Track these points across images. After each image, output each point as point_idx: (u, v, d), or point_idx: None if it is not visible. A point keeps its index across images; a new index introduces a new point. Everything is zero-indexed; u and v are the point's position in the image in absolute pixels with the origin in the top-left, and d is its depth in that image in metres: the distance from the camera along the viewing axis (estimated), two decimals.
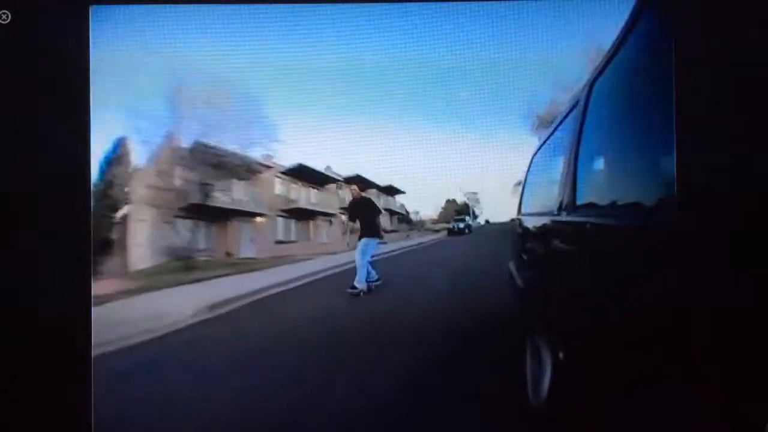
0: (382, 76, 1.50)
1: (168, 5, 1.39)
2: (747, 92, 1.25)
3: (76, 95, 1.30)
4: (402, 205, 1.79)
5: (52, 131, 1.29)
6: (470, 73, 1.47)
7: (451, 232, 1.78)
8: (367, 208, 2.09)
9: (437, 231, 1.69)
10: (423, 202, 1.73)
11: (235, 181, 1.36)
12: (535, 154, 1.60)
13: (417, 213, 1.75)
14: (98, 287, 1.13)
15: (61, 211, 1.28)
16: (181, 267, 1.27)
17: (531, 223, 1.67)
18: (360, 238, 2.15)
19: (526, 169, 1.61)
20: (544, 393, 1.42)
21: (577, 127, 1.46)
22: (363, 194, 1.98)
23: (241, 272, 1.46)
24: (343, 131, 1.50)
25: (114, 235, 1.16)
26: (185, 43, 1.43)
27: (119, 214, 1.17)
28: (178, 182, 1.21)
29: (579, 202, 1.43)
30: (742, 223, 1.22)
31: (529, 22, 1.42)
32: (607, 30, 1.30)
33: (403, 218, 1.83)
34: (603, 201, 1.33)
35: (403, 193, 1.77)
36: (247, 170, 1.36)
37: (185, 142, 1.28)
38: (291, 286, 1.91)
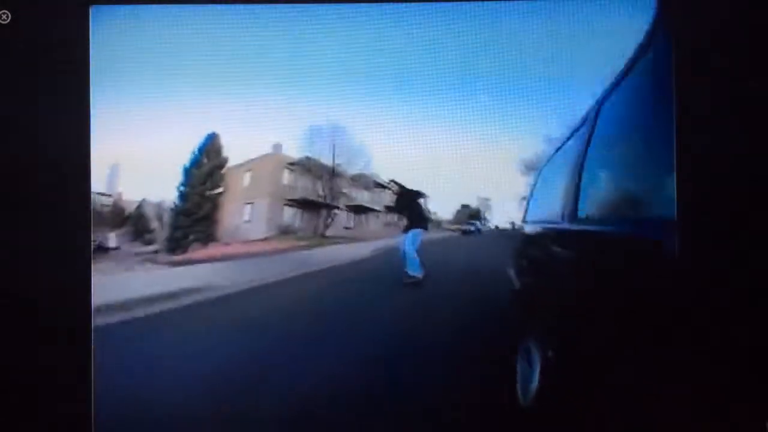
0: (411, 81, 1.52)
1: (168, 5, 1.39)
2: (748, 111, 1.25)
3: (76, 95, 1.30)
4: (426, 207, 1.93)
5: (52, 131, 1.30)
6: (501, 81, 1.49)
7: (464, 232, 2.02)
8: (407, 194, 2.02)
9: (453, 230, 1.91)
10: (441, 205, 1.93)
11: (319, 182, 1.59)
12: (544, 166, 1.67)
13: (435, 214, 1.98)
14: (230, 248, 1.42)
15: (62, 211, 1.29)
16: (296, 238, 1.67)
17: (533, 230, 1.78)
18: (407, 229, 2.12)
19: (533, 180, 1.69)
20: (533, 393, 1.46)
21: (584, 143, 1.52)
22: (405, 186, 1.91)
23: (334, 245, 1.83)
24: (381, 138, 1.54)
25: (218, 213, 1.46)
26: (185, 44, 1.43)
27: (219, 195, 1.44)
28: (285, 181, 1.57)
29: (580, 213, 1.51)
30: (740, 241, 1.23)
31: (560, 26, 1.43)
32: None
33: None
34: (602, 213, 1.41)
35: (427, 196, 1.90)
36: (329, 173, 1.66)
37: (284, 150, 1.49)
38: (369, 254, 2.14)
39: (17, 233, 1.28)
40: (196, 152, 1.42)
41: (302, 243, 1.75)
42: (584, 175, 1.52)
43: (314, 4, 1.40)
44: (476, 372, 1.55)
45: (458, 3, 1.41)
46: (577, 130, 1.57)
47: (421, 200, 2.05)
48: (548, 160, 1.64)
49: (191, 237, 1.47)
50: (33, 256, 1.28)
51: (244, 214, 1.56)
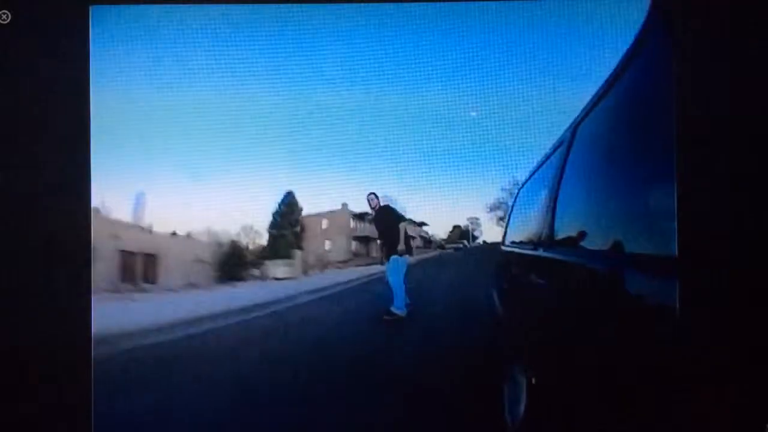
0: (402, 112, 1.59)
1: (168, 5, 1.39)
2: (741, 138, 1.26)
3: (76, 95, 1.30)
4: (426, 231, 2.18)
5: (52, 131, 1.30)
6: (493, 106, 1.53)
7: (455, 249, 2.15)
8: (387, 218, 1.97)
9: (445, 249, 2.14)
10: (436, 227, 2.00)
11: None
12: (521, 187, 1.69)
13: (433, 236, 2.14)
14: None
15: (62, 212, 1.29)
16: (361, 258, 2.24)
17: (512, 254, 1.83)
18: (388, 255, 2.04)
19: (512, 200, 1.75)
20: (519, 416, 1.47)
21: (559, 167, 1.52)
22: (380, 204, 1.89)
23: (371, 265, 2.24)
24: (367, 171, 1.67)
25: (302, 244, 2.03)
26: (186, 44, 1.43)
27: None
28: (352, 225, 2.16)
29: (556, 239, 1.51)
30: (737, 240, 1.23)
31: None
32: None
33: (427, 240, 2.20)
34: (578, 242, 1.41)
35: (427, 225, 2.02)
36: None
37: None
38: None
39: (17, 234, 1.28)
40: (280, 204, 1.80)
41: (365, 261, 2.23)
42: (559, 202, 1.52)
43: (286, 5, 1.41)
44: (463, 398, 1.56)
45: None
46: (552, 153, 1.57)
47: (403, 225, 2.01)
48: (525, 181, 1.66)
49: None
50: (32, 257, 1.28)
51: (326, 246, 2.12)
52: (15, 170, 1.29)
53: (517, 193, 1.69)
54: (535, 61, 1.49)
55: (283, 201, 1.75)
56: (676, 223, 1.22)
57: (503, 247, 1.86)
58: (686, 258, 1.20)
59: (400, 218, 1.97)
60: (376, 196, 1.82)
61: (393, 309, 1.95)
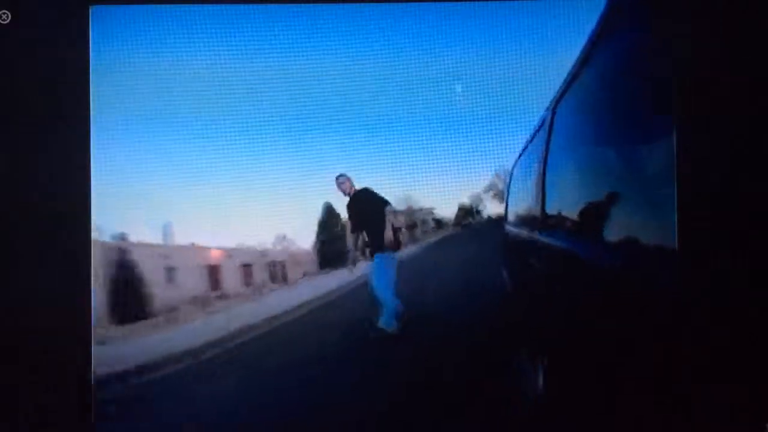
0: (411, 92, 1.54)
1: (169, 5, 1.39)
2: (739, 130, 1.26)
3: (76, 95, 1.30)
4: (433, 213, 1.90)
5: (52, 132, 1.30)
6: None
7: (463, 227, 1.85)
8: (368, 204, 1.54)
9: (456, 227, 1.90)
10: (444, 209, 1.86)
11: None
12: (514, 165, 1.66)
13: (442, 218, 1.96)
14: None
15: (61, 212, 1.29)
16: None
17: (513, 234, 1.76)
18: (371, 253, 1.61)
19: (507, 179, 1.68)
20: (533, 396, 1.42)
21: (543, 147, 1.54)
22: (356, 188, 1.50)
23: None
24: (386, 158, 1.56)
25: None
26: (186, 44, 1.43)
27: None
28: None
29: (548, 222, 1.49)
30: (738, 240, 1.23)
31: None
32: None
33: (438, 222, 1.89)
34: (567, 225, 1.39)
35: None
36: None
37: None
38: None
39: (16, 235, 1.28)
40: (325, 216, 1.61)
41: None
42: (548, 179, 1.52)
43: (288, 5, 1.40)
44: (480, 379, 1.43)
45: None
46: (536, 133, 1.58)
47: (390, 210, 1.60)
48: (516, 160, 1.62)
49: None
50: (31, 258, 1.28)
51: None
52: (15, 170, 1.29)
53: (512, 172, 1.64)
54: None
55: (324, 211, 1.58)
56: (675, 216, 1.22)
57: (506, 226, 1.76)
58: (686, 258, 1.20)
59: (384, 202, 1.55)
60: (348, 179, 1.50)
61: (381, 324, 1.50)
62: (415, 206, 1.66)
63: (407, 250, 1.70)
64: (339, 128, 1.55)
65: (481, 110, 1.51)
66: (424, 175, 1.54)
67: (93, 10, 1.31)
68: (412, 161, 1.55)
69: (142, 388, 1.40)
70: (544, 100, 1.49)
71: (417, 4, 1.45)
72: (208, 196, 1.57)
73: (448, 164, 1.54)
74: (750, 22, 1.28)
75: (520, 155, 1.59)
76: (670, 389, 1.21)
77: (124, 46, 1.39)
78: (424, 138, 1.56)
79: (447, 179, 1.55)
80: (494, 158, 1.54)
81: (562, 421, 1.31)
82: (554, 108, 1.49)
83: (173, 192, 1.54)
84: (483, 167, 1.55)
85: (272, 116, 1.54)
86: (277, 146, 1.57)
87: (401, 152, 1.55)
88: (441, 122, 1.55)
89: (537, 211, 1.55)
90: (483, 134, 1.54)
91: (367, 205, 1.55)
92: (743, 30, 1.27)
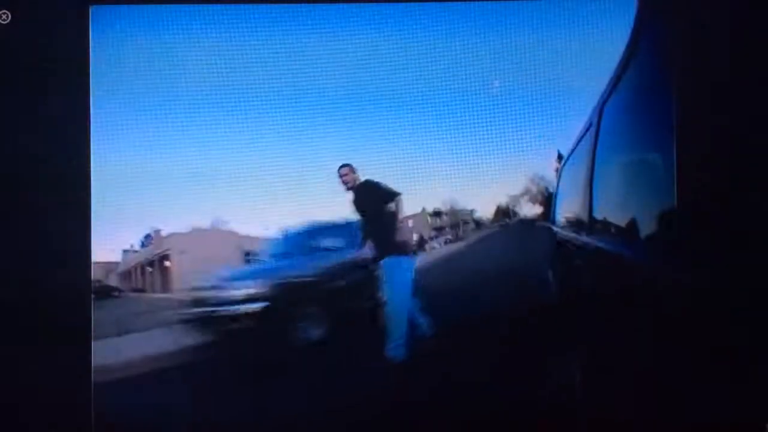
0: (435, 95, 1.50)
1: (168, 5, 1.39)
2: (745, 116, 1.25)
3: (75, 95, 1.30)
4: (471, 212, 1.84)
5: (52, 131, 1.30)
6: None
7: (501, 226, 1.82)
8: (376, 197, 1.30)
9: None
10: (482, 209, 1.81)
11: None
12: (563, 167, 1.59)
13: (480, 217, 1.83)
14: None
15: (62, 212, 1.29)
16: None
17: (560, 236, 1.72)
18: (378, 259, 1.34)
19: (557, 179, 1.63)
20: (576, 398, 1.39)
21: (591, 149, 1.48)
22: (359, 179, 1.30)
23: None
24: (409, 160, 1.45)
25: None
26: (186, 44, 1.43)
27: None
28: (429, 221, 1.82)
29: (595, 226, 1.47)
30: (740, 241, 1.22)
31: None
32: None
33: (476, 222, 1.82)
34: (615, 228, 1.36)
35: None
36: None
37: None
38: None
39: (17, 232, 1.29)
40: None
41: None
42: (595, 185, 1.44)
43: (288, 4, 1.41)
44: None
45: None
46: (583, 135, 1.53)
47: (393, 204, 1.33)
48: (565, 161, 1.56)
49: None
50: (32, 255, 1.29)
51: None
52: (15, 170, 1.29)
53: (560, 173, 1.58)
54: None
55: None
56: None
57: (553, 227, 1.72)
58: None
59: (393, 194, 1.30)
60: (353, 170, 1.30)
61: (390, 350, 1.23)
62: (455, 206, 1.56)
63: (436, 253, 1.57)
64: (376, 129, 1.50)
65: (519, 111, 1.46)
66: (461, 177, 1.48)
67: (93, 10, 1.31)
68: (452, 163, 1.48)
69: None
70: (583, 104, 1.42)
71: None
72: (208, 196, 1.58)
73: (484, 166, 1.49)
74: None
75: (568, 156, 1.54)
76: (669, 390, 1.21)
77: (123, 46, 1.39)
78: (460, 136, 1.50)
79: (484, 180, 1.48)
80: (531, 158, 1.47)
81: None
82: (600, 109, 1.44)
83: (173, 192, 1.54)
84: (519, 170, 1.49)
85: (272, 116, 1.54)
86: (278, 146, 1.57)
87: (440, 152, 1.48)
88: (475, 117, 1.49)
89: (585, 214, 1.53)
90: (520, 136, 1.47)
91: (371, 199, 1.31)
92: None
